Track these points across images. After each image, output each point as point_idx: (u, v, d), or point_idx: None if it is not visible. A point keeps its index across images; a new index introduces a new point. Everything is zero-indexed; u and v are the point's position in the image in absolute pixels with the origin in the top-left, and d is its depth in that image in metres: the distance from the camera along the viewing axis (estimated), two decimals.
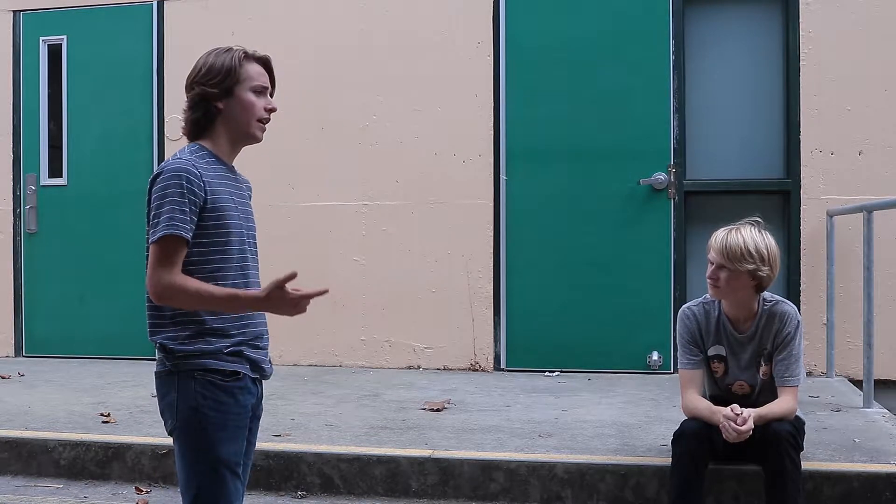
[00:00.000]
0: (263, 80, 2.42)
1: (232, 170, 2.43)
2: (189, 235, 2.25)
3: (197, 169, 2.28)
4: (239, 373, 2.33)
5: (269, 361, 2.46)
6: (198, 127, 2.39)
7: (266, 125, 2.44)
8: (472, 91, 6.09)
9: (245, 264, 2.38)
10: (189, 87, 2.39)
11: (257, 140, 2.45)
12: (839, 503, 3.57)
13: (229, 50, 2.40)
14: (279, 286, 2.18)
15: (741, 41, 5.95)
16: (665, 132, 5.85)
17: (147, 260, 2.30)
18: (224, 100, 2.36)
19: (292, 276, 2.19)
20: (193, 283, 2.24)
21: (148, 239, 2.27)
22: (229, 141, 2.41)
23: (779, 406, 3.34)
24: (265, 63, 2.44)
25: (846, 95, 5.68)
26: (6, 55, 6.81)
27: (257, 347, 2.39)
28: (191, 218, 2.25)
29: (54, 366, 6.36)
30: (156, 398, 2.42)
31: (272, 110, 2.43)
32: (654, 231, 5.86)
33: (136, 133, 6.59)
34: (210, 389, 2.29)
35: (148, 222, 2.30)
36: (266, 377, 2.45)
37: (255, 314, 2.39)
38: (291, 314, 2.22)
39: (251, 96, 2.38)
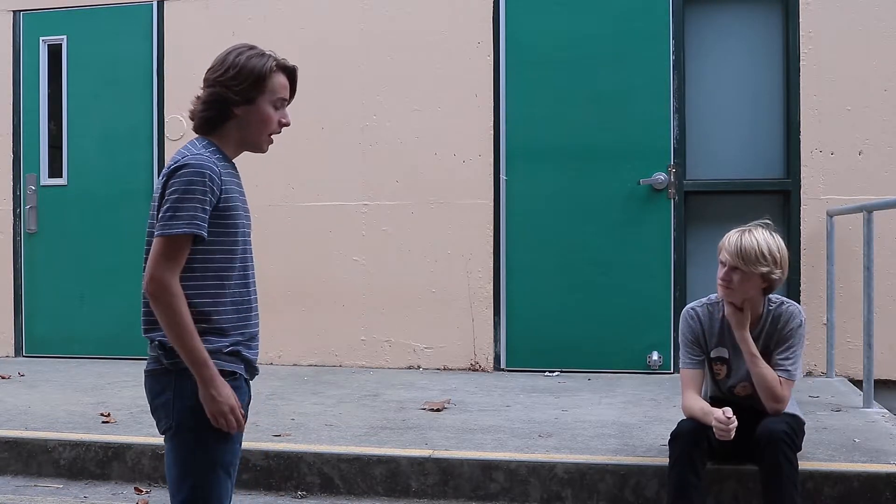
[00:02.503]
0: (285, 93, 2.37)
1: (234, 166, 2.40)
2: (206, 235, 2.23)
3: (216, 167, 2.25)
4: (236, 373, 2.31)
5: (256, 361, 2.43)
6: (208, 124, 2.34)
7: (274, 138, 2.42)
8: (472, 91, 6.09)
9: (246, 265, 2.36)
10: (210, 82, 2.31)
11: (262, 152, 2.43)
12: (839, 503, 3.57)
13: (262, 55, 2.33)
14: (232, 409, 2.23)
15: (741, 41, 5.95)
16: (665, 132, 5.85)
17: (147, 250, 2.26)
18: (243, 107, 2.31)
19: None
20: (184, 308, 2.19)
21: (158, 229, 2.20)
22: (237, 144, 2.38)
23: (772, 375, 3.35)
24: (291, 74, 2.39)
25: (846, 95, 5.68)
26: (6, 55, 6.81)
27: (250, 348, 2.37)
28: (207, 217, 2.22)
29: (54, 366, 6.36)
30: None
31: (286, 125, 2.40)
32: (654, 231, 5.86)
33: (136, 133, 6.60)
34: None
35: (159, 213, 2.22)
36: (254, 376, 2.43)
37: (253, 314, 2.38)
38: (211, 411, 2.22)
39: (270, 110, 2.34)
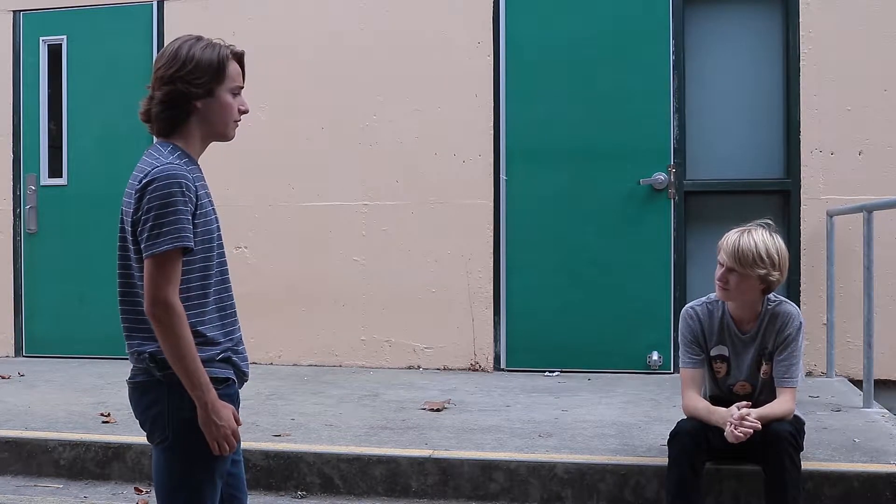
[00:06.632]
0: (240, 80, 2.32)
1: (200, 168, 2.33)
2: (193, 246, 2.19)
3: (189, 174, 2.19)
4: (229, 379, 2.28)
5: (248, 366, 2.40)
6: (170, 124, 2.27)
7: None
8: (472, 91, 6.09)
9: (223, 269, 2.31)
10: (167, 80, 2.23)
11: (230, 139, 2.37)
12: (839, 503, 3.57)
13: (213, 45, 2.27)
14: (234, 432, 2.21)
15: (741, 41, 5.95)
16: (665, 132, 5.85)
17: (122, 264, 2.28)
18: (204, 100, 2.25)
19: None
20: (188, 331, 2.15)
21: (146, 249, 2.17)
22: (201, 140, 2.32)
23: (778, 407, 3.34)
24: (241, 60, 2.34)
25: (846, 95, 5.68)
26: (6, 55, 6.81)
27: (238, 353, 2.33)
28: (191, 228, 2.17)
29: (54, 366, 6.36)
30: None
31: (245, 112, 2.34)
32: (654, 231, 5.86)
33: (136, 133, 6.52)
34: None
35: (139, 230, 2.19)
36: (243, 383, 2.40)
37: (235, 319, 2.34)
38: (213, 436, 2.19)
39: (229, 98, 2.29)
